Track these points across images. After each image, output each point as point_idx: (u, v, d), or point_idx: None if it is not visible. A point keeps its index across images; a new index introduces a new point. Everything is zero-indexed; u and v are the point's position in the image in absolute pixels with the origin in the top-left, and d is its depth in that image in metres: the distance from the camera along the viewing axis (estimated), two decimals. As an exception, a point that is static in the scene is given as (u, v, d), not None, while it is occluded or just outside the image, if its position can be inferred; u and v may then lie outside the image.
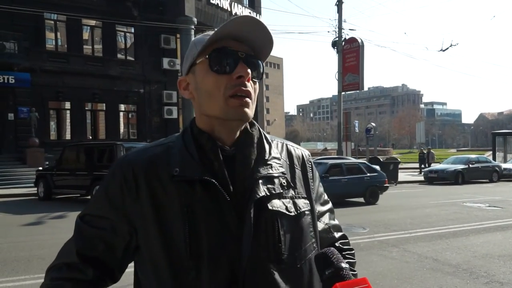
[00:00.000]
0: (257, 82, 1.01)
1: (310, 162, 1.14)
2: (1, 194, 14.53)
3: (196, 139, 1.00)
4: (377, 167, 15.26)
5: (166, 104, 24.03)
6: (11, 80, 19.17)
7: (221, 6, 26.76)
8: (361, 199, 13.02)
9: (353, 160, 16.59)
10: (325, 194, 1.18)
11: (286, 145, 1.12)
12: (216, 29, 0.95)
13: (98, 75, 22.11)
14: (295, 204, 1.02)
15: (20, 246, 7.08)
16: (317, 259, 0.94)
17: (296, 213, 1.01)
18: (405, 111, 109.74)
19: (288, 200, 1.01)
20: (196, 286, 0.91)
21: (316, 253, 0.98)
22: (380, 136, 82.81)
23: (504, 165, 23.90)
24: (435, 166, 23.65)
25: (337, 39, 24.01)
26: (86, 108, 22.72)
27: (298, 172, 1.08)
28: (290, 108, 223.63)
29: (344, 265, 0.89)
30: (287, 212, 0.99)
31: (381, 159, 21.05)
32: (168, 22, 22.26)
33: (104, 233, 1.00)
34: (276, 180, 1.00)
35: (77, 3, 21.00)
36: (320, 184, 1.17)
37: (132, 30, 24.00)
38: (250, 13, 29.73)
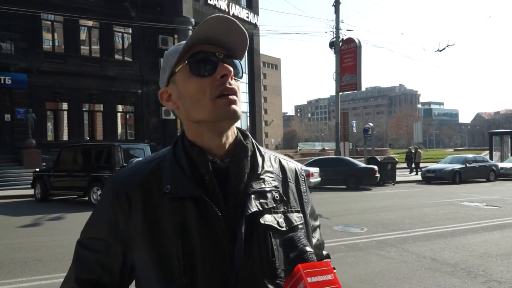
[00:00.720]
0: (239, 81, 1.00)
1: (303, 175, 1.13)
2: (-2, 196, 14.46)
3: (187, 152, 0.99)
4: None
5: (163, 105, 23.95)
6: (8, 81, 19.12)
7: (219, 6, 26.77)
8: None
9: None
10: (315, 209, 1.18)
11: (279, 159, 1.11)
12: (190, 34, 0.95)
13: (95, 76, 22.07)
14: (287, 219, 1.00)
15: (16, 248, 7.05)
16: (283, 243, 0.93)
17: (288, 228, 0.99)
18: (403, 111, 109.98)
19: (280, 215, 0.99)
20: None
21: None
22: (378, 136, 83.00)
23: (501, 164, 23.97)
24: (430, 165, 23.67)
25: (334, 39, 24.02)
26: (84, 109, 22.66)
27: (291, 185, 1.07)
28: (288, 108, 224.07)
29: (308, 248, 0.88)
30: (278, 227, 0.98)
31: (379, 159, 21.06)
32: (165, 22, 22.25)
33: (100, 255, 0.99)
34: (268, 195, 0.99)
35: (74, 4, 20.97)
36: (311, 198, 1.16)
37: (130, 31, 23.97)
38: (247, 14, 29.77)
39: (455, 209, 11.24)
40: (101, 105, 23.10)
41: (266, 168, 1.02)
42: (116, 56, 23.85)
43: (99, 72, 22.34)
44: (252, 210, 0.94)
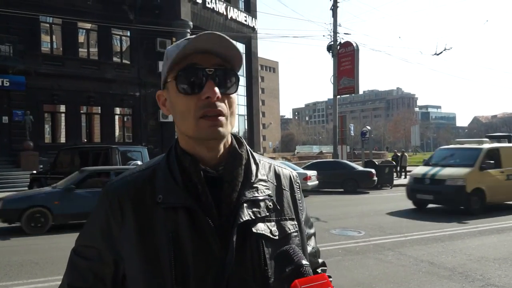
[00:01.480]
0: (233, 94, 0.97)
1: (298, 182, 1.12)
2: (-5, 198, 14.40)
3: (180, 161, 0.98)
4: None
5: (160, 108, 23.94)
6: (6, 83, 19.08)
7: (217, 10, 26.83)
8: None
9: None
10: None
11: (274, 166, 1.10)
12: (183, 45, 0.92)
13: (93, 78, 22.05)
14: (280, 227, 1.00)
15: (13, 251, 7.03)
16: (277, 257, 0.92)
17: (281, 236, 0.99)
18: (400, 115, 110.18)
19: (273, 223, 0.99)
20: None
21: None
22: (375, 140, 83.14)
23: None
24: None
25: (332, 43, 24.09)
26: (81, 111, 22.63)
27: (286, 193, 1.06)
28: (286, 111, 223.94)
29: (304, 262, 0.88)
30: (271, 236, 0.97)
31: (377, 163, 21.08)
32: (164, 25, 22.29)
33: (92, 263, 0.99)
34: (261, 203, 0.98)
35: (73, 7, 20.96)
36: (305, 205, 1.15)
37: (128, 34, 23.98)
38: (245, 17, 29.83)
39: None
40: (99, 108, 23.07)
41: (259, 176, 1.02)
42: (114, 59, 23.84)
43: (97, 74, 22.33)
44: (244, 219, 0.94)
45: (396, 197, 16.07)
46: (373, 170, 18.14)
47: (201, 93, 0.92)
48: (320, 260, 1.17)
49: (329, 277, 1.17)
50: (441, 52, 24.29)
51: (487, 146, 12.02)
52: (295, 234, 1.03)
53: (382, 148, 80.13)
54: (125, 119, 24.73)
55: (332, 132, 25.37)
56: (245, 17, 29.97)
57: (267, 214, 0.99)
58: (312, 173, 15.98)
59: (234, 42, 0.93)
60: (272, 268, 0.95)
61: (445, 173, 11.48)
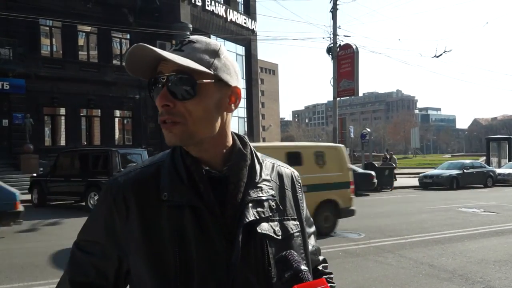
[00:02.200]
0: (192, 100, 0.93)
1: (299, 182, 1.13)
2: (-5, 201, 14.38)
3: (184, 159, 0.99)
4: None
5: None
6: (6, 86, 19.11)
7: (217, 12, 26.87)
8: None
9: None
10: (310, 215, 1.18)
11: (277, 165, 1.10)
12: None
13: (93, 81, 22.08)
14: (283, 227, 1.01)
15: (13, 253, 7.02)
16: (277, 262, 0.93)
17: (284, 236, 1.00)
18: (400, 117, 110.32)
19: (276, 223, 1.00)
20: None
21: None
22: (375, 142, 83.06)
23: (498, 170, 24.03)
24: (428, 171, 23.68)
25: (332, 45, 24.09)
26: (81, 114, 22.65)
27: (288, 193, 1.07)
28: (286, 113, 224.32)
29: (303, 267, 0.88)
30: (275, 236, 0.98)
31: (376, 165, 21.08)
32: (163, 28, 22.31)
33: (95, 258, 0.99)
34: (265, 203, 0.99)
35: (73, 10, 21.01)
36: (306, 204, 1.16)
37: (128, 36, 24.02)
38: (245, 19, 29.85)
39: (452, 215, 11.25)
40: (99, 110, 23.09)
41: (263, 176, 1.03)
42: (114, 62, 23.87)
43: (97, 77, 22.35)
44: (250, 219, 0.94)
45: (396, 199, 16.07)
46: (373, 172, 18.14)
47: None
48: (321, 258, 1.19)
49: (330, 273, 1.18)
50: (440, 54, 24.33)
51: None
52: (297, 233, 1.04)
53: (382, 150, 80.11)
54: (125, 122, 24.75)
55: (332, 134, 25.33)
56: (245, 19, 30.02)
57: (271, 214, 0.99)
58: (312, 175, 15.95)
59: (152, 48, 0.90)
60: (275, 268, 0.96)
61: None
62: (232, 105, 1.00)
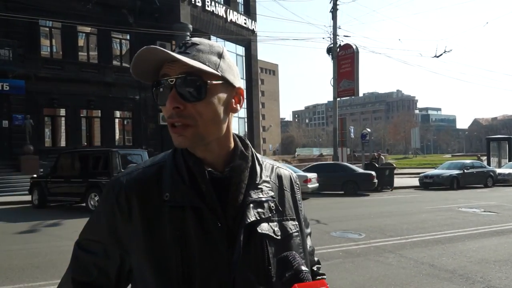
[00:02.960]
0: (202, 102, 0.93)
1: (297, 183, 1.15)
2: (-5, 202, 14.40)
3: (185, 160, 0.99)
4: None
5: (161, 111, 23.91)
6: (6, 87, 19.11)
7: (217, 13, 26.87)
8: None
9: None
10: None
11: (276, 167, 1.12)
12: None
13: (93, 82, 22.09)
14: (282, 227, 1.02)
15: (14, 254, 7.02)
16: (278, 262, 0.94)
17: (283, 236, 1.01)
18: (400, 117, 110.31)
19: (275, 223, 1.01)
20: None
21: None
22: (376, 142, 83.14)
23: (498, 170, 24.02)
24: (428, 171, 23.68)
25: (332, 45, 24.13)
26: (81, 115, 22.66)
27: (287, 194, 1.09)
28: (286, 114, 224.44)
29: (303, 268, 0.89)
30: (274, 236, 0.99)
31: (377, 165, 21.08)
32: (163, 29, 22.32)
33: (97, 257, 1.00)
34: (265, 204, 1.00)
35: (73, 10, 21.01)
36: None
37: (128, 37, 24.04)
38: (245, 20, 29.86)
39: (453, 215, 11.25)
40: (99, 111, 23.10)
41: (263, 178, 1.04)
42: (114, 62, 23.89)
43: (97, 78, 22.36)
44: (251, 220, 0.96)
45: (397, 199, 16.07)
46: (373, 173, 18.15)
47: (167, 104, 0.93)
48: (315, 258, 1.22)
49: (323, 274, 1.20)
50: (441, 55, 24.38)
51: None
52: (296, 234, 1.05)
53: (382, 150, 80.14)
54: (125, 123, 24.76)
55: (332, 135, 25.38)
56: (245, 20, 30.02)
57: (270, 215, 1.01)
58: (312, 175, 15.97)
59: (167, 50, 0.90)
60: (275, 267, 0.97)
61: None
62: (238, 105, 1.01)
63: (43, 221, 10.59)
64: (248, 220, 0.95)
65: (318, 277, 1.17)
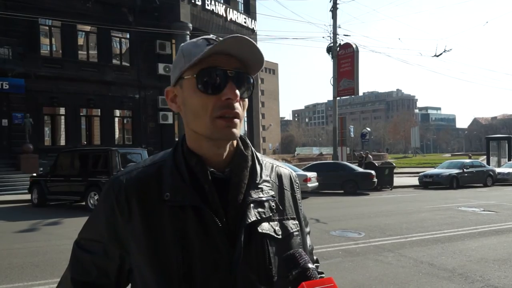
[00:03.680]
0: (247, 99, 0.99)
1: (297, 182, 1.14)
2: (-5, 201, 14.40)
3: (186, 159, 0.99)
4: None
5: (161, 110, 24.01)
6: (5, 86, 19.09)
7: (217, 12, 26.84)
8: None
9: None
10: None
11: (276, 166, 1.12)
12: (207, 47, 0.93)
13: (93, 81, 22.07)
14: (283, 227, 1.02)
15: (13, 253, 7.02)
16: (284, 260, 0.94)
17: (284, 235, 1.01)
18: (400, 116, 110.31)
19: (276, 223, 1.01)
20: None
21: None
22: (375, 141, 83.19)
23: (498, 170, 24.04)
24: (428, 170, 23.68)
25: (332, 44, 24.13)
26: (81, 114, 22.64)
27: (287, 193, 1.08)
28: (286, 113, 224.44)
29: (310, 265, 0.89)
30: (275, 235, 0.99)
31: (376, 164, 21.09)
32: (163, 28, 22.31)
33: (96, 257, 1.00)
34: (266, 204, 1.00)
35: (72, 9, 20.99)
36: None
37: (128, 36, 24.01)
38: (245, 19, 29.85)
39: (452, 214, 11.26)
40: (99, 110, 23.08)
41: (264, 177, 1.04)
42: (114, 61, 23.87)
43: (97, 77, 22.34)
44: (252, 219, 0.95)
45: (396, 198, 16.08)
46: (373, 172, 18.16)
47: (221, 94, 0.93)
48: (314, 257, 1.21)
49: (322, 273, 1.20)
50: (441, 54, 24.35)
51: None
52: (297, 233, 1.05)
53: (382, 149, 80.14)
54: (125, 121, 24.75)
55: (332, 134, 25.37)
56: (245, 18, 30.00)
57: (271, 214, 1.01)
58: (312, 174, 15.98)
59: (260, 48, 0.94)
60: (276, 267, 0.97)
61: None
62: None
63: (43, 220, 10.59)
64: (249, 220, 0.95)
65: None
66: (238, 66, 0.95)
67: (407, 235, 8.39)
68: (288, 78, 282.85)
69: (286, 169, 1.14)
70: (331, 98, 25.34)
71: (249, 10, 30.93)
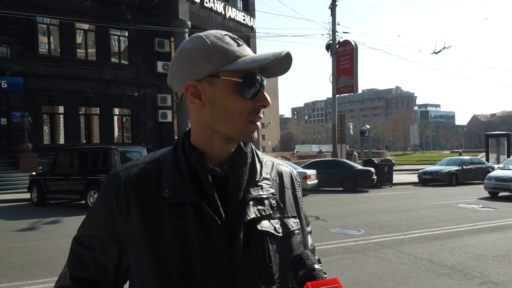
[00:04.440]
0: None
1: (298, 181, 1.14)
2: (-6, 200, 14.40)
3: (186, 156, 0.99)
4: None
5: (160, 108, 23.99)
6: (4, 85, 19.04)
7: (215, 9, 26.79)
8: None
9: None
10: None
11: (276, 164, 1.12)
12: (252, 56, 0.96)
13: (91, 79, 22.03)
14: (283, 225, 1.02)
15: (13, 252, 7.03)
16: (291, 261, 0.93)
17: (284, 233, 1.01)
18: (399, 113, 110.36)
19: (276, 220, 1.01)
20: None
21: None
22: (375, 138, 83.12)
23: (497, 166, 24.04)
24: (427, 167, 23.70)
25: (331, 42, 24.09)
26: (80, 112, 22.60)
27: (288, 191, 1.08)
28: (285, 111, 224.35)
29: (317, 266, 0.89)
30: (275, 233, 0.99)
31: (376, 161, 21.11)
32: (162, 25, 22.27)
33: (95, 253, 1.00)
34: (266, 202, 1.00)
35: (70, 7, 20.92)
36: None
37: (126, 34, 23.95)
38: (244, 16, 29.81)
39: (451, 211, 11.28)
40: (98, 108, 23.05)
41: (264, 175, 1.03)
42: (113, 59, 23.82)
43: (96, 75, 22.30)
44: (251, 217, 0.95)
45: (396, 195, 16.10)
46: (372, 169, 18.17)
47: (255, 100, 0.96)
48: (316, 257, 1.20)
49: (325, 273, 1.20)
50: (440, 51, 24.28)
51: None
52: (298, 231, 1.05)
53: (382, 147, 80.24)
54: (124, 120, 24.72)
55: (331, 131, 25.35)
56: (244, 16, 29.95)
57: (271, 212, 1.00)
58: (311, 172, 15.99)
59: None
60: (277, 265, 0.96)
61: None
62: None
63: (42, 218, 10.59)
64: (248, 217, 0.94)
65: None
66: (264, 74, 0.99)
67: (406, 232, 8.41)
68: (287, 76, 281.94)
69: (287, 167, 1.13)
70: (330, 95, 25.32)
71: (248, 8, 30.87)
